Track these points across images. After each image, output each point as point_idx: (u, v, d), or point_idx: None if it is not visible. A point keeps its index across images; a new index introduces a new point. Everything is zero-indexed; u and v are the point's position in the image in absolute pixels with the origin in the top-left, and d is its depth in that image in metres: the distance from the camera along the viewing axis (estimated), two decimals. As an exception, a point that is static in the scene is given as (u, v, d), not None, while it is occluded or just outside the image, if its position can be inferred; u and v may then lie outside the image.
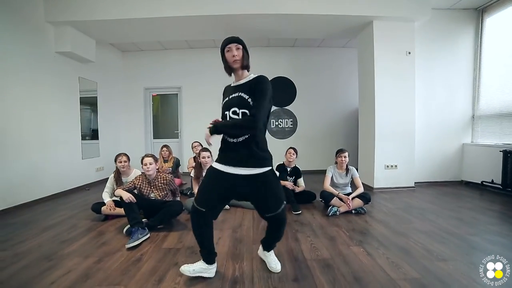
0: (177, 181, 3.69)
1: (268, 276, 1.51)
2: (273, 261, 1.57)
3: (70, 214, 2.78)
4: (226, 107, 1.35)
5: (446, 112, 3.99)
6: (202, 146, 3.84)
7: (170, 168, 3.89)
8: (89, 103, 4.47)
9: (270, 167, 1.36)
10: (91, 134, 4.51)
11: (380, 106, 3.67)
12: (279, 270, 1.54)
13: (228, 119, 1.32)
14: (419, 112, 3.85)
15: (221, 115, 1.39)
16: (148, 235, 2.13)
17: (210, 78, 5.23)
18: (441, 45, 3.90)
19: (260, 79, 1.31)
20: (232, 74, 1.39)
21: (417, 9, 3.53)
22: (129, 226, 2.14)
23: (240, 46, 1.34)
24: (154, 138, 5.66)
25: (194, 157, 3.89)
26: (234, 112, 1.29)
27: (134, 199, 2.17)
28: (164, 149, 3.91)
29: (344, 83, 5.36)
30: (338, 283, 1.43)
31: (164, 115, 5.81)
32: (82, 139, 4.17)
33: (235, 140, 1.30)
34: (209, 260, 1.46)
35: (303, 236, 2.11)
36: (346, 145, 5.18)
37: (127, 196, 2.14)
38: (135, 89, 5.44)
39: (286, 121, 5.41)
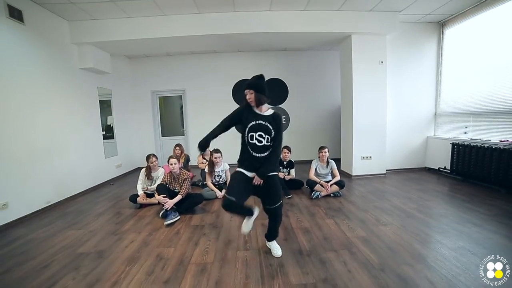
0: (190, 174, 4.43)
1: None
2: (274, 249, 2.03)
3: (110, 204, 3.52)
4: (253, 129, 1.79)
5: (414, 110, 4.75)
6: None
7: (182, 164, 4.60)
8: (105, 105, 5.08)
9: (277, 173, 1.93)
10: (107, 130, 5.11)
11: (357, 107, 4.39)
12: (280, 255, 1.98)
13: (254, 139, 1.79)
14: (391, 110, 4.60)
15: (245, 132, 1.82)
16: (179, 217, 2.89)
17: (211, 80, 5.87)
18: (409, 54, 4.59)
19: (279, 118, 1.85)
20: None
21: (388, 24, 4.17)
22: (164, 210, 2.90)
23: (253, 91, 1.80)
24: (162, 136, 6.33)
25: (202, 154, 4.61)
26: (261, 136, 1.79)
27: (167, 199, 2.89)
28: (177, 148, 4.60)
29: (330, 82, 6.02)
30: (313, 241, 2.23)
31: (168, 115, 6.45)
32: (103, 139, 4.82)
33: (259, 155, 1.82)
34: (250, 213, 1.91)
35: (292, 213, 2.91)
36: (331, 138, 5.97)
37: (161, 199, 2.90)
38: (143, 93, 6.03)
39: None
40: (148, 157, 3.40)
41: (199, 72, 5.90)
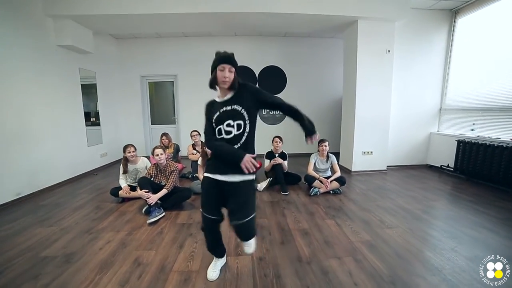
0: (179, 166, 4.13)
1: (261, 241, 2.05)
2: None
3: (90, 197, 3.21)
4: (219, 121, 1.38)
5: (418, 104, 4.51)
6: (200, 134, 4.23)
7: (171, 154, 4.29)
8: (93, 91, 4.67)
9: (253, 178, 1.47)
10: (96, 116, 4.74)
11: (360, 99, 4.12)
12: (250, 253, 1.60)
13: (222, 132, 1.37)
14: (394, 104, 4.35)
15: (207, 129, 1.45)
16: (164, 213, 2.61)
17: (205, 67, 5.41)
18: (417, 44, 4.30)
19: (250, 88, 1.43)
20: (217, 89, 1.45)
21: (398, 9, 3.85)
22: (147, 206, 2.62)
23: (233, 69, 1.38)
24: (152, 124, 5.96)
25: (193, 145, 4.30)
26: (228, 125, 1.36)
27: (150, 194, 2.58)
28: (164, 137, 4.26)
29: (331, 72, 5.72)
30: (312, 245, 2.00)
31: (159, 102, 6.05)
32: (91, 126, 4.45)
33: None
34: (222, 254, 1.71)
35: (289, 212, 2.67)
36: (331, 131, 5.72)
37: (143, 194, 2.59)
38: (131, 77, 5.60)
39: (277, 108, 5.80)
40: (124, 148, 3.00)
41: (193, 57, 5.49)
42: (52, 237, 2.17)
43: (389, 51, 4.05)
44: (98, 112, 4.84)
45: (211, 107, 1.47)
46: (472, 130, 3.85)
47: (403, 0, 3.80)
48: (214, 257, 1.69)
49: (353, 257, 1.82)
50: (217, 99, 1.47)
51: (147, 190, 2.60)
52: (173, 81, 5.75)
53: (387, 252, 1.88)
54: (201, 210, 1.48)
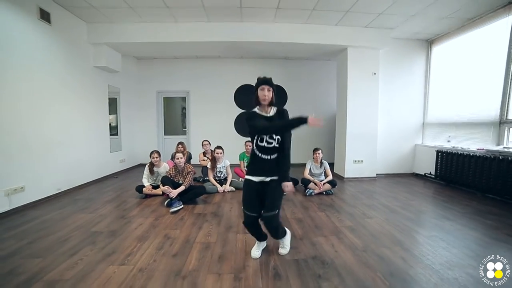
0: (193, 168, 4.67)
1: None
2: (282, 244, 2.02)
3: (116, 194, 3.73)
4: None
5: (404, 119, 5.10)
6: (210, 144, 4.81)
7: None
8: (110, 103, 5.32)
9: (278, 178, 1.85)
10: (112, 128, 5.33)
11: (351, 114, 4.72)
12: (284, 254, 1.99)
13: (264, 141, 1.76)
14: (382, 119, 4.93)
15: (256, 138, 1.79)
16: (182, 206, 3.12)
17: (214, 84, 6.19)
18: (400, 67, 4.98)
19: (286, 112, 1.82)
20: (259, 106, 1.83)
21: (381, 39, 4.55)
22: (169, 199, 3.14)
23: (271, 89, 1.76)
24: (165, 135, 6.58)
25: (203, 153, 4.86)
26: (271, 137, 1.75)
27: (171, 189, 3.11)
28: (180, 145, 4.83)
29: (326, 90, 6.38)
30: (305, 228, 2.49)
31: (169, 115, 6.71)
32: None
33: (268, 157, 1.80)
34: (263, 239, 2.02)
35: (287, 207, 3.16)
36: (326, 143, 6.28)
37: (165, 189, 3.13)
38: (148, 92, 6.30)
39: (279, 122, 6.42)
40: (151, 154, 3.63)
41: (203, 75, 6.21)
42: (95, 220, 2.68)
43: (375, 73, 4.71)
44: (111, 124, 5.46)
45: (254, 117, 1.80)
46: (448, 141, 4.40)
47: (385, 32, 4.51)
48: (257, 241, 2.01)
49: (336, 236, 2.31)
50: (259, 112, 1.82)
51: (169, 186, 3.14)
52: (185, 97, 6.45)
53: (364, 233, 2.37)
54: (242, 208, 1.86)
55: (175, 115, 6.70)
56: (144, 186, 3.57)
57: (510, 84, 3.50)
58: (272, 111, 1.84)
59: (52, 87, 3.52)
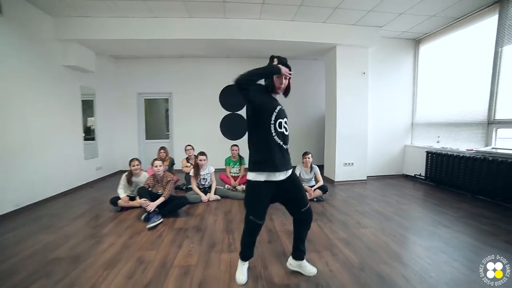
0: (174, 177, 4.35)
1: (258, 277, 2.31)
2: (308, 267, 1.74)
3: (88, 207, 3.36)
4: (279, 115, 1.55)
5: (392, 120, 5.03)
6: (194, 149, 4.51)
7: (167, 167, 4.51)
8: (86, 106, 4.89)
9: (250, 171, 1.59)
10: (87, 132, 4.89)
11: (340, 115, 4.58)
12: (315, 273, 1.73)
13: (282, 126, 1.54)
14: (372, 119, 4.83)
15: (271, 119, 1.51)
16: (162, 219, 2.82)
17: (198, 85, 5.87)
18: (388, 67, 4.90)
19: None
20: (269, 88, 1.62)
21: (370, 38, 4.44)
22: (146, 213, 2.82)
23: (288, 77, 1.58)
24: (146, 139, 6.18)
25: (187, 158, 4.55)
26: (286, 123, 1.59)
27: (148, 202, 2.80)
28: (162, 151, 4.52)
29: (314, 90, 6.23)
30: (296, 242, 2.27)
31: (154, 118, 6.33)
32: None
33: (287, 147, 1.61)
34: (250, 256, 1.76)
35: (276, 216, 2.94)
36: (316, 145, 6.14)
37: (142, 202, 2.80)
38: (128, 94, 5.89)
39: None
40: (130, 161, 3.29)
41: (187, 76, 5.89)
42: (57, 242, 2.33)
43: (364, 73, 4.60)
44: (92, 127, 5.04)
45: (265, 94, 1.59)
46: (438, 142, 4.35)
47: (373, 30, 4.40)
48: (241, 262, 1.73)
49: (330, 251, 2.11)
50: (271, 94, 1.63)
51: (146, 199, 2.83)
52: (168, 98, 6.08)
53: (360, 246, 2.19)
54: (250, 217, 1.57)
55: (159, 118, 6.31)
56: (119, 198, 3.23)
57: (497, 84, 3.47)
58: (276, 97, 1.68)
59: (8, 89, 3.09)
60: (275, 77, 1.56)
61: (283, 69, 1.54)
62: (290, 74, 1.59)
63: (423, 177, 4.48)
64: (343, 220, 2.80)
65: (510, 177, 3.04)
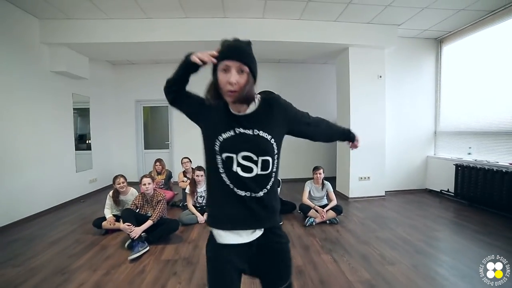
0: (169, 193, 3.97)
1: (251, 282, 1.85)
2: None
3: (71, 229, 3.00)
4: (231, 147, 0.84)
5: (413, 128, 4.50)
6: (191, 162, 4.13)
7: (163, 180, 4.14)
8: (81, 113, 4.63)
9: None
10: (80, 140, 4.61)
11: (354, 123, 4.09)
12: None
13: (234, 165, 0.83)
14: (389, 128, 4.33)
15: (214, 152, 0.85)
16: (148, 248, 2.41)
17: (200, 91, 5.49)
18: (407, 69, 4.41)
19: (283, 103, 0.94)
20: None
21: (386, 38, 3.99)
22: (130, 240, 2.42)
23: (247, 69, 0.82)
24: (145, 149, 5.86)
25: (184, 172, 4.17)
26: (248, 159, 0.83)
27: (133, 228, 2.38)
28: (158, 163, 4.16)
29: (324, 97, 5.78)
30: (307, 286, 1.81)
31: (153, 127, 6.01)
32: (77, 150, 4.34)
33: (249, 195, 0.86)
34: None
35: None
36: (326, 155, 5.64)
37: (126, 228, 2.38)
38: (126, 102, 5.61)
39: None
40: (114, 179, 2.91)
41: (189, 82, 5.55)
42: (19, 278, 1.95)
43: (380, 76, 4.13)
44: (89, 136, 4.76)
45: (219, 111, 0.89)
46: (469, 154, 3.79)
47: (390, 29, 3.95)
48: None
49: (352, 302, 1.63)
50: (231, 108, 0.88)
51: (129, 224, 2.42)
52: (167, 106, 5.77)
53: (390, 295, 1.70)
54: None
55: (161, 127, 5.97)
56: (105, 219, 2.85)
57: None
58: (249, 108, 0.88)
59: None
60: (219, 73, 0.82)
61: (198, 55, 0.82)
62: (216, 59, 0.81)
63: (452, 193, 3.90)
64: (364, 253, 2.31)
65: None
